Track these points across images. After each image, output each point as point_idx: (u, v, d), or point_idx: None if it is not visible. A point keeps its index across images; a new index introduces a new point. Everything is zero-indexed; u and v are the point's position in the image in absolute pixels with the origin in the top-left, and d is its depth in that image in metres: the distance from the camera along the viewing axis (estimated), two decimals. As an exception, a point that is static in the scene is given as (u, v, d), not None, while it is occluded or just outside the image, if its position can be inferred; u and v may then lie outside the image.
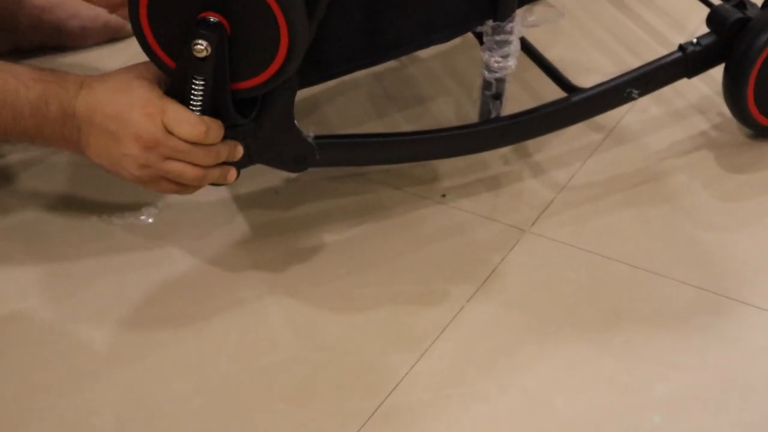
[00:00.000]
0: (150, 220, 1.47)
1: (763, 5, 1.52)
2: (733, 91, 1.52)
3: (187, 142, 1.24)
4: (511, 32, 1.38)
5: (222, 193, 1.50)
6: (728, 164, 1.55)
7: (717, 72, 1.54)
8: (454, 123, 1.57)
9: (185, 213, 1.48)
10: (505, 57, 1.39)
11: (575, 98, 1.49)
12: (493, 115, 1.45)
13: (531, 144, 1.57)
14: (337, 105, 1.64)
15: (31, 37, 1.75)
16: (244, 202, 1.50)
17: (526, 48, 1.59)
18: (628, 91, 1.48)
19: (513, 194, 1.50)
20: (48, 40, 1.76)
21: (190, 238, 1.45)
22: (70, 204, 1.50)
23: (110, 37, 1.82)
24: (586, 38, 1.77)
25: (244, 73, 1.23)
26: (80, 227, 1.46)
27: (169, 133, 1.23)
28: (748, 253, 1.42)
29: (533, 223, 1.46)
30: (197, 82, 1.21)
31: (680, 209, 1.48)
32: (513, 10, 1.38)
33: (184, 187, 1.30)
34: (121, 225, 1.46)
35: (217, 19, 1.18)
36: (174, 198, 1.48)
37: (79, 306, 1.37)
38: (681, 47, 1.51)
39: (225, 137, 1.27)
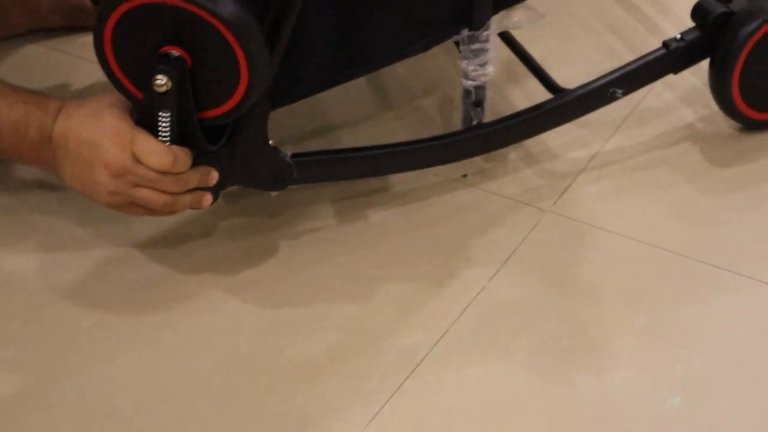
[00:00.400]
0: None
1: None
2: (718, 86, 1.50)
3: (155, 171, 1.26)
4: (486, 40, 1.37)
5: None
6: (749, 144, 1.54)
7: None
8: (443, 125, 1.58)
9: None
10: (482, 65, 1.38)
11: (557, 102, 1.47)
12: (474, 122, 1.44)
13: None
14: (329, 107, 1.62)
15: (54, 18, 1.76)
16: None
17: (514, 47, 1.57)
18: (611, 91, 1.46)
19: (533, 175, 1.50)
20: (70, 20, 1.77)
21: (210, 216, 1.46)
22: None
23: None
24: (576, 31, 1.75)
25: (209, 103, 1.25)
26: (93, 210, 1.47)
27: (138, 162, 1.25)
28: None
29: (554, 203, 1.45)
30: (163, 114, 1.23)
31: (698, 190, 1.47)
32: (487, 19, 1.37)
33: (156, 212, 1.31)
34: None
35: (178, 53, 1.21)
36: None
37: (96, 288, 1.38)
38: (665, 44, 1.48)
39: (198, 163, 1.29)
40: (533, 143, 1.53)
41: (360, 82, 1.62)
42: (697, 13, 1.49)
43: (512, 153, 1.53)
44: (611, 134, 1.55)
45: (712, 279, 1.35)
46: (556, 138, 1.52)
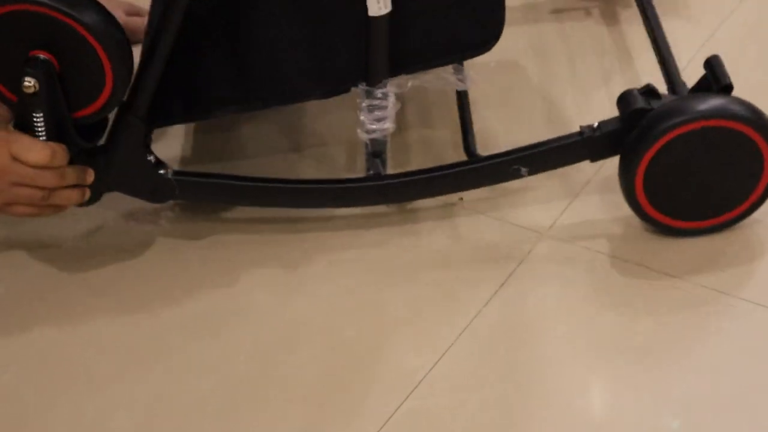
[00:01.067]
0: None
1: (692, 88, 1.40)
2: (623, 184, 1.39)
3: (35, 167, 1.31)
4: (384, 98, 1.35)
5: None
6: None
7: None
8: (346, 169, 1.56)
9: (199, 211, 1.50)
10: (379, 120, 1.35)
11: (459, 168, 1.42)
12: (371, 172, 1.41)
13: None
14: (245, 134, 1.63)
15: None
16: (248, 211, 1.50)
17: (460, 101, 1.55)
18: (515, 168, 1.39)
19: (530, 198, 1.50)
20: None
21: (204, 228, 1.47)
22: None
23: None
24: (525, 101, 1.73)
25: (79, 103, 1.33)
26: (96, 227, 1.49)
27: (17, 160, 1.30)
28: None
29: (550, 227, 1.46)
30: (36, 114, 1.31)
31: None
32: (383, 77, 1.35)
33: (39, 209, 1.35)
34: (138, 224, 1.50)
35: (45, 56, 1.28)
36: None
37: (96, 307, 1.39)
38: (580, 130, 1.39)
39: (75, 163, 1.35)
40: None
41: (282, 117, 1.63)
42: (620, 102, 1.39)
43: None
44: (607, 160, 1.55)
45: (708, 301, 1.35)
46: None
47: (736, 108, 1.34)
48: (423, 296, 1.37)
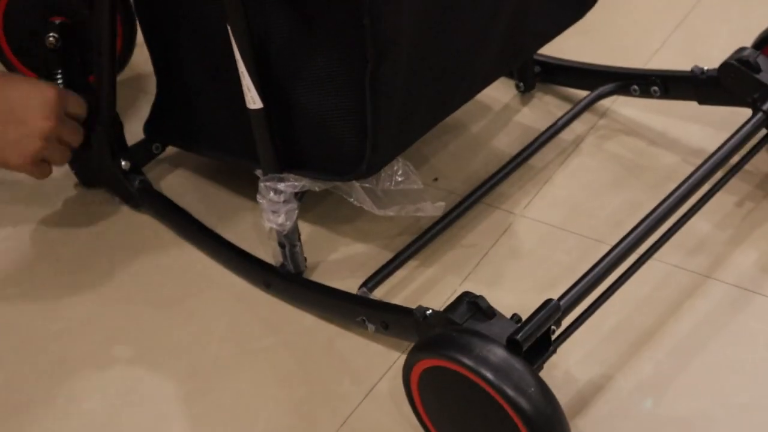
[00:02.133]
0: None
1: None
2: None
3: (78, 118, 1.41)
4: (277, 194, 1.29)
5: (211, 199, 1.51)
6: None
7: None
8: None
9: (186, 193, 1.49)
10: (274, 212, 1.30)
11: (342, 297, 1.32)
12: (277, 262, 1.37)
13: (524, 130, 1.57)
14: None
15: None
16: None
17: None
18: (360, 318, 1.28)
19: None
20: None
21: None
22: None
23: None
24: None
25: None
26: (70, 211, 1.50)
27: (68, 115, 1.38)
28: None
29: (525, 206, 1.46)
30: (56, 72, 1.45)
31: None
32: (274, 171, 1.28)
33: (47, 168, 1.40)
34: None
35: (62, 20, 1.44)
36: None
37: (71, 290, 1.39)
38: (414, 311, 1.20)
39: None
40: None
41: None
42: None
43: (485, 155, 1.53)
44: (582, 137, 1.56)
45: (687, 283, 1.35)
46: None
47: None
48: (396, 276, 1.37)
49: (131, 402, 1.26)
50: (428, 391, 1.15)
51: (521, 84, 1.64)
